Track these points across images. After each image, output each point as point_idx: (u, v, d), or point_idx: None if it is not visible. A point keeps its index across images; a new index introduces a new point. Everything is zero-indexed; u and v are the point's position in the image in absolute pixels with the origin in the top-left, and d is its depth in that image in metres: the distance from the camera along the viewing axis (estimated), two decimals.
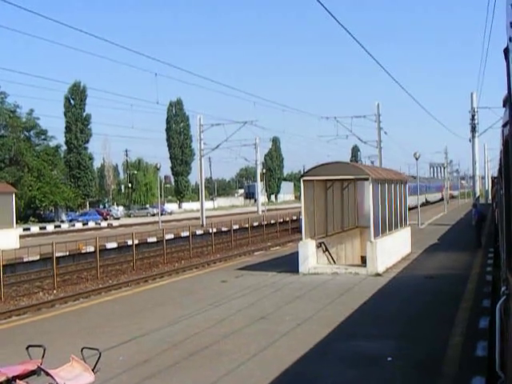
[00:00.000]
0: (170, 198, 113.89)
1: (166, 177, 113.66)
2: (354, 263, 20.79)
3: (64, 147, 64.17)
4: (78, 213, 70.13)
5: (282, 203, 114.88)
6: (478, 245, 25.12)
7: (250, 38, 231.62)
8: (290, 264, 19.70)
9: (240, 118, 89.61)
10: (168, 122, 65.52)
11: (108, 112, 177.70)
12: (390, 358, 8.98)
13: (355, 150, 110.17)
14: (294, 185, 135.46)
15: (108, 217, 70.31)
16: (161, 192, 77.22)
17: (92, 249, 29.31)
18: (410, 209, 28.64)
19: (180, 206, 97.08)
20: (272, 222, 50.74)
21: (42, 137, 60.43)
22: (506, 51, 4.48)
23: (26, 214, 62.81)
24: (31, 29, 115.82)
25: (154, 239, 35.91)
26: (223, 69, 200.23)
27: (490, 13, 22.36)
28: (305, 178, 18.76)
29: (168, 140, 64.50)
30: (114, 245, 32.81)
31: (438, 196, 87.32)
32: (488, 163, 73.59)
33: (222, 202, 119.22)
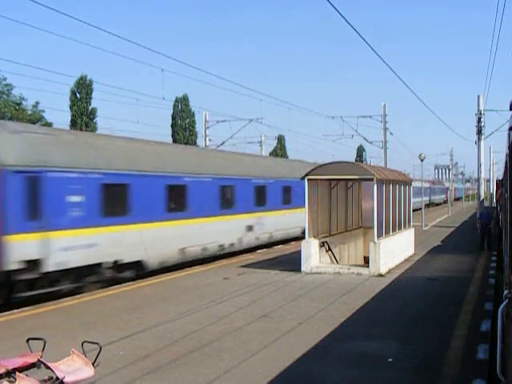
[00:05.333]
0: None
1: None
2: (357, 263, 20.80)
3: None
4: None
5: None
6: (481, 248, 25.11)
7: (257, 36, 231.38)
8: (292, 263, 19.70)
9: (246, 115, 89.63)
10: (174, 117, 65.34)
11: (114, 106, 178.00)
12: (390, 359, 8.96)
13: (360, 150, 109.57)
14: None
15: None
16: None
17: None
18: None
19: None
20: None
21: None
22: None
23: None
24: (37, 21, 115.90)
25: None
26: (230, 66, 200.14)
27: (498, 16, 22.30)
28: (309, 177, 18.73)
29: (173, 136, 64.31)
30: None
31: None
32: (493, 166, 73.45)
33: None
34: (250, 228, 24.55)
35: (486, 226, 26.05)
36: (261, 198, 25.92)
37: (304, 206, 26.73)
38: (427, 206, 51.33)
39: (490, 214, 28.04)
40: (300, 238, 27.67)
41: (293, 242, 28.00)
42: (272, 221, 26.55)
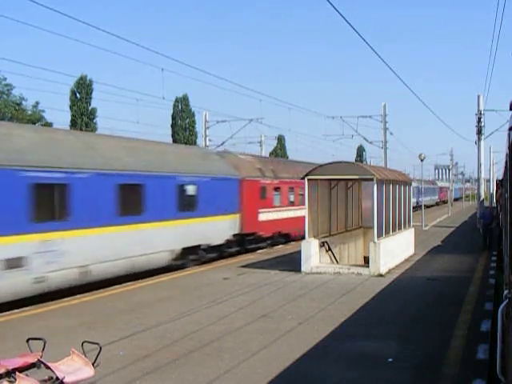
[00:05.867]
0: None
1: None
2: (357, 263, 20.79)
3: None
4: None
5: None
6: (484, 248, 25.13)
7: (258, 36, 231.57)
8: (292, 263, 19.69)
9: (246, 115, 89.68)
10: (174, 117, 65.36)
11: (114, 106, 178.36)
12: (390, 359, 8.96)
13: (360, 150, 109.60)
14: None
15: None
16: None
17: None
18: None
19: None
20: None
21: None
22: None
23: None
24: (37, 21, 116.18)
25: None
26: (230, 66, 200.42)
27: (498, 16, 22.32)
28: (309, 177, 18.72)
29: (173, 136, 64.32)
30: None
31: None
32: (493, 166, 73.41)
33: None
34: (15, 263, 13.53)
35: (488, 225, 26.06)
36: (53, 206, 14.86)
37: (176, 217, 18.79)
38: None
39: (491, 213, 28.05)
40: (171, 268, 19.46)
41: (293, 242, 27.95)
42: (87, 245, 15.62)
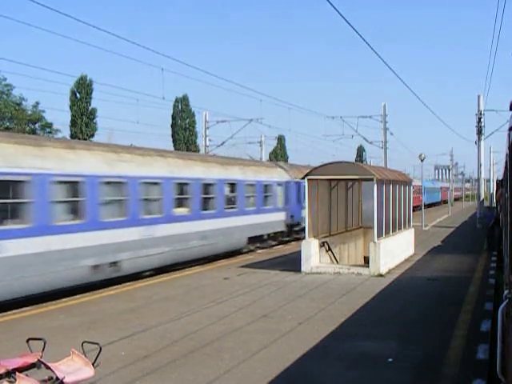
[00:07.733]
0: None
1: None
2: (357, 263, 20.79)
3: None
4: None
5: None
6: (487, 247, 25.11)
7: (257, 36, 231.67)
8: (292, 263, 19.69)
9: (246, 115, 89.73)
10: (174, 117, 65.33)
11: (114, 106, 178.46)
12: (390, 359, 8.96)
13: (360, 150, 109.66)
14: None
15: None
16: None
17: None
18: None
19: None
20: None
21: (48, 130, 60.19)
22: None
23: None
24: (37, 21, 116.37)
25: None
26: (230, 66, 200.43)
27: (498, 16, 22.32)
28: (309, 177, 18.72)
29: (173, 136, 64.32)
30: None
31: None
32: (493, 166, 73.37)
33: None
34: None
35: (488, 226, 26.07)
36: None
37: None
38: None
39: (493, 214, 28.02)
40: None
41: (293, 242, 27.97)
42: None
